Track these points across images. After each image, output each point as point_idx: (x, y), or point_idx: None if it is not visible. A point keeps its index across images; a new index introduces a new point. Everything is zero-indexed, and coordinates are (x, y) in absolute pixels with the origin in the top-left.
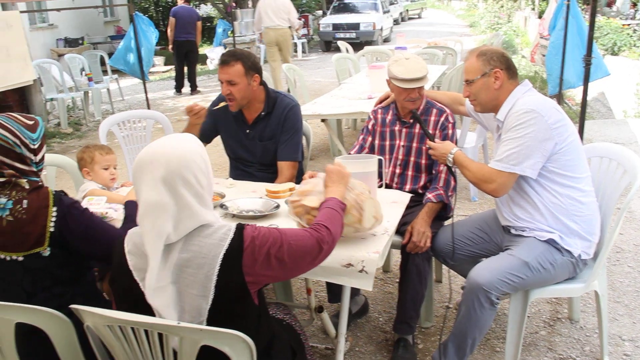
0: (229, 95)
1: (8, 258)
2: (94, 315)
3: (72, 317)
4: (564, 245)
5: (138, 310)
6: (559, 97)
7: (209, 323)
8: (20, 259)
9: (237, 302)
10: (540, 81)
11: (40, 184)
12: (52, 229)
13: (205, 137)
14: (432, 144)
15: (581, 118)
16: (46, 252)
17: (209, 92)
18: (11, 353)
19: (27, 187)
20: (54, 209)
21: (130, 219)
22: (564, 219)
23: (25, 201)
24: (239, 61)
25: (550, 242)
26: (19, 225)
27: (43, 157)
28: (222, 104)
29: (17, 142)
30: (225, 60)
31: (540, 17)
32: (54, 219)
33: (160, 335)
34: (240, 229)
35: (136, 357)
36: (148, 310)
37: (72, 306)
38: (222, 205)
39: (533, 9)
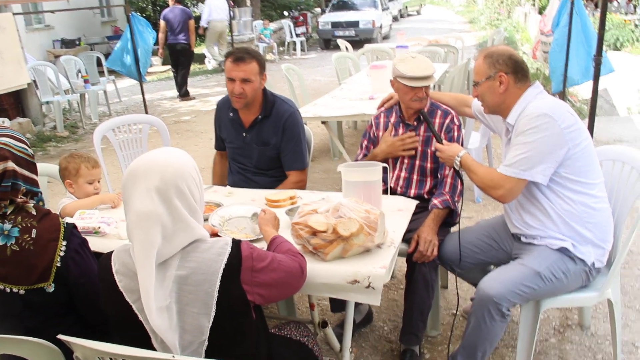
0: (241, 93)
1: (8, 290)
2: (83, 347)
3: (62, 345)
4: (577, 254)
5: (134, 334)
6: (562, 95)
7: (209, 341)
8: (22, 292)
9: (239, 317)
10: (543, 78)
11: (47, 209)
12: (58, 264)
13: (222, 146)
14: (440, 146)
15: (590, 118)
16: (50, 288)
17: (207, 92)
18: None
19: (34, 212)
20: (64, 242)
21: None
22: (576, 227)
23: (34, 231)
24: (254, 59)
25: (563, 251)
26: (25, 256)
27: None
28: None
29: (31, 152)
30: (241, 57)
31: (540, 13)
32: (62, 253)
33: None
34: (237, 243)
35: None
36: (143, 332)
37: (60, 337)
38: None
39: (533, 4)
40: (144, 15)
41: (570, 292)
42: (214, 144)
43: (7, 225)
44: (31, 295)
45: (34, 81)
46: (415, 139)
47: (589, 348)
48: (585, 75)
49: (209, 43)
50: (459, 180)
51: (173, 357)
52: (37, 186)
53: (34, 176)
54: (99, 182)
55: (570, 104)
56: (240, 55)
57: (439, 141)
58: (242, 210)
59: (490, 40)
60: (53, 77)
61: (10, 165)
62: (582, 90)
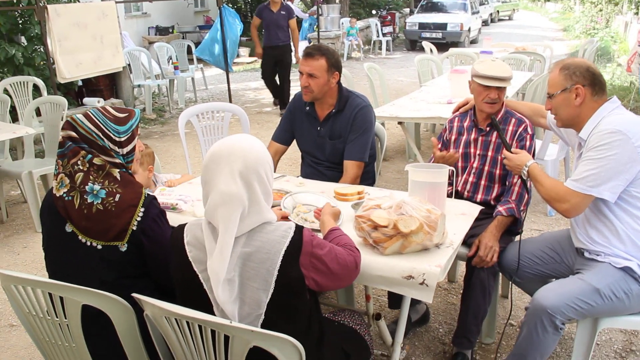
0: (307, 87)
1: (89, 243)
2: (153, 306)
3: (135, 304)
4: None
5: (197, 301)
6: None
7: (266, 315)
8: (99, 247)
9: (294, 296)
10: (636, 92)
11: (133, 178)
12: (134, 228)
13: (285, 140)
14: (508, 154)
15: None
16: (123, 247)
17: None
18: (77, 332)
19: (118, 178)
20: (142, 209)
21: None
22: None
23: (118, 195)
24: (324, 56)
25: (627, 270)
26: (106, 215)
27: (133, 149)
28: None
29: (100, 134)
30: (310, 53)
31: None
32: (139, 218)
33: (213, 331)
34: (299, 228)
35: (189, 348)
36: (206, 300)
37: (134, 295)
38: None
39: (636, 13)
40: (236, 7)
41: (633, 314)
42: (274, 134)
43: (97, 187)
44: (107, 251)
45: (129, 65)
46: (455, 158)
47: None
48: None
49: None
50: (526, 190)
51: (230, 322)
52: (114, 164)
53: (98, 154)
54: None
55: None
56: (310, 51)
57: (508, 149)
58: (310, 198)
59: (582, 51)
60: (146, 62)
61: (73, 134)
62: None
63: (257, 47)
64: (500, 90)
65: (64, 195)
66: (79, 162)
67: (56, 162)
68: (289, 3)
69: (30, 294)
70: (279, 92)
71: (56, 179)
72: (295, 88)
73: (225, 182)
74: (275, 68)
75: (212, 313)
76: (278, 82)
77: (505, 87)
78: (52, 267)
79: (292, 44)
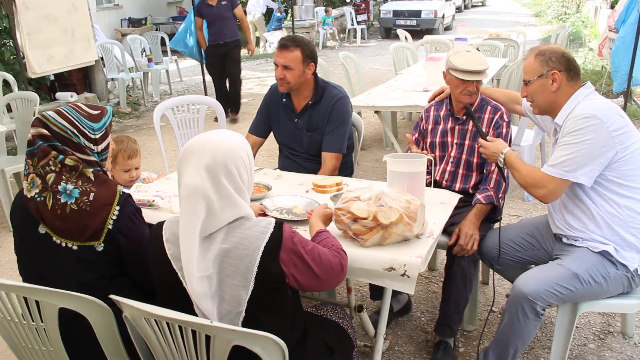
0: (282, 79)
1: (64, 244)
2: (132, 307)
3: (113, 305)
4: (619, 259)
5: (178, 300)
6: (627, 95)
7: (247, 313)
8: (75, 247)
9: (275, 292)
10: (607, 77)
11: (107, 177)
12: (110, 226)
13: (262, 132)
14: (484, 142)
15: None
16: (100, 247)
17: (265, 77)
18: (55, 335)
19: (92, 178)
20: (117, 207)
21: None
22: (620, 231)
23: (92, 194)
24: (299, 47)
25: (604, 254)
26: (81, 215)
27: (107, 146)
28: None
29: (75, 131)
30: (284, 45)
31: (612, 7)
32: (114, 217)
33: (194, 331)
34: (279, 224)
35: (170, 349)
36: (186, 299)
37: (112, 296)
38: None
39: None
40: None
41: (610, 298)
42: (250, 127)
43: (70, 186)
44: (83, 252)
45: (101, 58)
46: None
47: (630, 357)
48: None
49: None
50: (503, 178)
51: (211, 322)
52: (88, 162)
53: (73, 152)
54: (137, 169)
55: (636, 105)
56: (284, 42)
57: (483, 137)
58: (291, 202)
59: (555, 36)
60: (119, 55)
61: (44, 132)
62: None
63: (203, 46)
64: (478, 82)
65: (36, 196)
66: (50, 163)
67: (25, 162)
68: None
69: (4, 298)
70: (230, 98)
71: (27, 180)
72: (262, 80)
73: (191, 175)
74: (223, 67)
75: (193, 312)
76: (227, 84)
77: (483, 78)
78: (26, 269)
79: (241, 37)
